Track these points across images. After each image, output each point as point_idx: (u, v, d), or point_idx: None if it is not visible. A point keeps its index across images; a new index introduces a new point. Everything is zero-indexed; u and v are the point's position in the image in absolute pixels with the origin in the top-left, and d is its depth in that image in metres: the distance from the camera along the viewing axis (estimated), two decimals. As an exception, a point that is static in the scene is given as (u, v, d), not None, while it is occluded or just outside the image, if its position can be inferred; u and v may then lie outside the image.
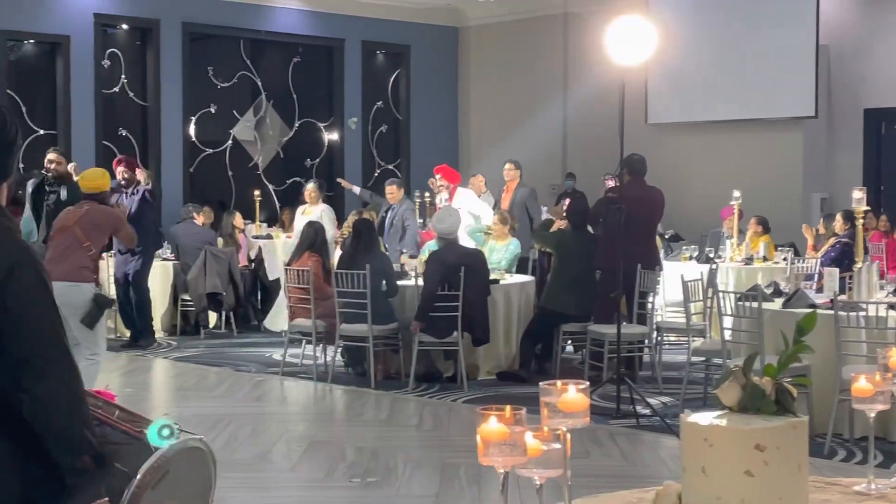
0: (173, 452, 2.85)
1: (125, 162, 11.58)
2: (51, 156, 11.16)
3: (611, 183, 9.72)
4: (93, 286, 7.60)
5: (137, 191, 11.31)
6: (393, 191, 12.57)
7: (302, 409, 9.16)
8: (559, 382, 2.27)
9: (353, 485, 6.54)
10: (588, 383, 2.32)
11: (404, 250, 11.70)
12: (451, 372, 9.74)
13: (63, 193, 10.80)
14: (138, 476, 2.77)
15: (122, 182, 11.23)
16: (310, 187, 12.77)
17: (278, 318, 11.83)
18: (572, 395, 2.24)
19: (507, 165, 13.20)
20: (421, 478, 6.72)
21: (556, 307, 9.77)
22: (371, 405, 8.92)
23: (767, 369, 2.29)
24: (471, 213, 11.71)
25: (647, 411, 8.12)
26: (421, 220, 12.77)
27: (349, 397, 9.29)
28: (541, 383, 2.31)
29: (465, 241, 10.98)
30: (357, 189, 14.87)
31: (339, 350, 9.88)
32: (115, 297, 11.13)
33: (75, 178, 11.19)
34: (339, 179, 15.36)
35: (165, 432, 2.65)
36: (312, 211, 12.37)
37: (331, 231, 11.90)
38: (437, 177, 12.30)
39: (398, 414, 8.60)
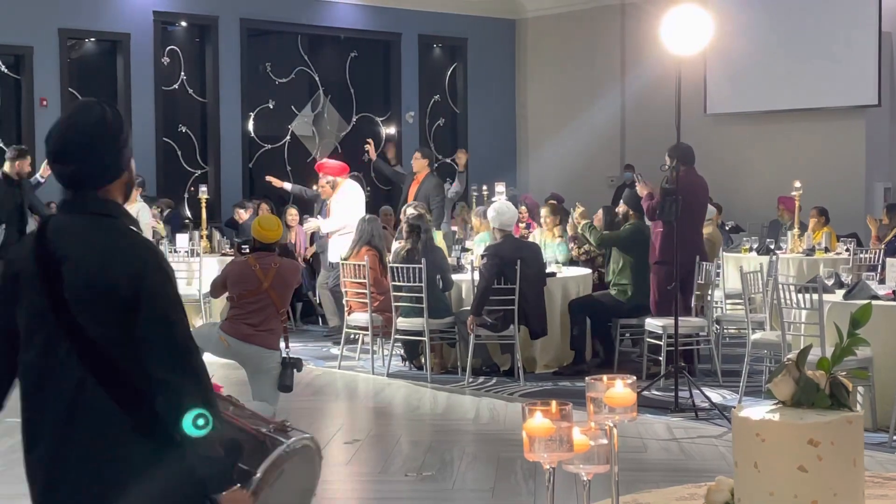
0: (291, 451, 2.90)
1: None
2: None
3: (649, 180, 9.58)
4: (280, 352, 7.73)
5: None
6: (325, 185, 12.08)
7: (358, 402, 9.17)
8: (605, 377, 2.23)
9: (408, 479, 6.54)
10: (634, 378, 2.28)
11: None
12: (507, 365, 9.71)
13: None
14: (258, 474, 2.87)
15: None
16: None
17: None
18: (619, 389, 2.21)
19: (415, 154, 12.50)
20: (477, 472, 6.71)
21: (639, 301, 9.56)
22: (427, 399, 8.91)
23: (821, 363, 2.24)
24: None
25: (705, 404, 8.05)
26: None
27: (405, 391, 9.29)
28: (587, 378, 2.27)
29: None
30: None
31: (397, 344, 9.88)
32: None
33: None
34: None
35: (200, 422, 2.62)
36: (131, 207, 11.52)
37: (147, 231, 11.13)
38: (320, 175, 11.75)
39: (454, 408, 8.59)
